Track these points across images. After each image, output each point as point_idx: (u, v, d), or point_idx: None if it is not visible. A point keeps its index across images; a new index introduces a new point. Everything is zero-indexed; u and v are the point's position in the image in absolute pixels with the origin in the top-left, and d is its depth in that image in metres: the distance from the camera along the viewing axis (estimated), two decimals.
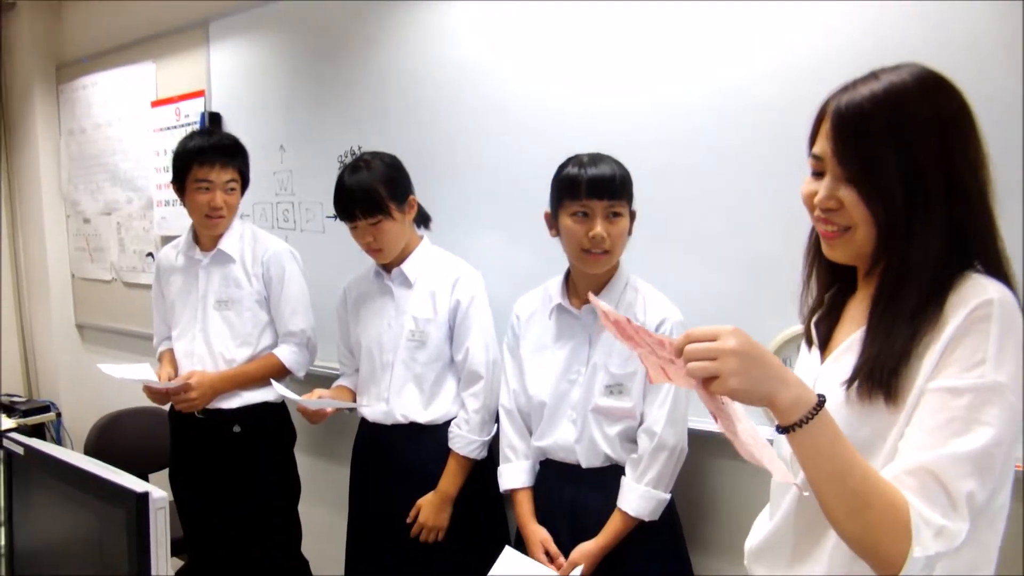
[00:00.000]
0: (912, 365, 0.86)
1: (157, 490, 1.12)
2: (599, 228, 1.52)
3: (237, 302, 2.17)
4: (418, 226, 2.00)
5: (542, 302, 1.72)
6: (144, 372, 2.13)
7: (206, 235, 2.20)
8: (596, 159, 1.56)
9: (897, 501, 0.79)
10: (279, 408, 2.26)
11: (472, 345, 1.85)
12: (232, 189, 2.15)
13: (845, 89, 0.92)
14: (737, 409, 0.85)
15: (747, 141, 1.64)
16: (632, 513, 1.57)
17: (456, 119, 2.13)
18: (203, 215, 2.13)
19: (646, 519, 1.58)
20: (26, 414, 3.36)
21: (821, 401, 0.81)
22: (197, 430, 2.20)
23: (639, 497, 1.57)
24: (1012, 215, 1.33)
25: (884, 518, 0.79)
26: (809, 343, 1.07)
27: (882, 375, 0.87)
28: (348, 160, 2.35)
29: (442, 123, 2.16)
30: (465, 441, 1.84)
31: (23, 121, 3.73)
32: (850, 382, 0.90)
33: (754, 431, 0.85)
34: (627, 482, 1.59)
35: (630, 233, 1.62)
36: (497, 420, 1.84)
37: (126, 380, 2.11)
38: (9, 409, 3.39)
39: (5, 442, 1.42)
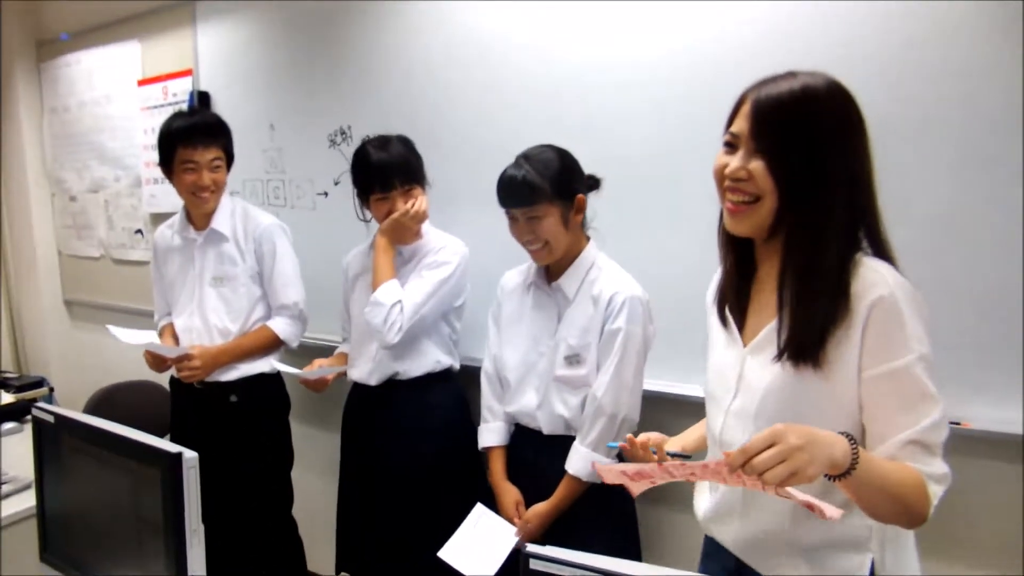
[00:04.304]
0: (831, 335, 1.00)
1: (188, 451, 1.19)
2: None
3: (232, 279, 2.25)
4: None
5: (523, 277, 1.83)
6: (150, 339, 2.22)
7: (198, 213, 2.27)
8: None
9: (914, 477, 0.96)
10: (274, 379, 2.35)
11: None
12: (217, 167, 2.20)
13: (764, 83, 1.04)
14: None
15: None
16: (572, 472, 1.67)
17: (449, 96, 2.19)
18: (191, 194, 2.20)
19: (584, 479, 1.67)
20: (19, 389, 3.40)
21: (852, 439, 0.91)
22: (196, 401, 2.30)
23: (580, 458, 1.67)
24: (1013, 210, 1.44)
25: (914, 495, 0.95)
26: (723, 320, 1.19)
27: (806, 349, 1.01)
28: (339, 139, 2.44)
29: (434, 100, 2.22)
30: None
31: (4, 99, 3.73)
32: (779, 357, 1.04)
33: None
34: (574, 445, 1.69)
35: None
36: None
37: (131, 344, 2.19)
38: (3, 384, 3.44)
39: (35, 412, 1.50)
